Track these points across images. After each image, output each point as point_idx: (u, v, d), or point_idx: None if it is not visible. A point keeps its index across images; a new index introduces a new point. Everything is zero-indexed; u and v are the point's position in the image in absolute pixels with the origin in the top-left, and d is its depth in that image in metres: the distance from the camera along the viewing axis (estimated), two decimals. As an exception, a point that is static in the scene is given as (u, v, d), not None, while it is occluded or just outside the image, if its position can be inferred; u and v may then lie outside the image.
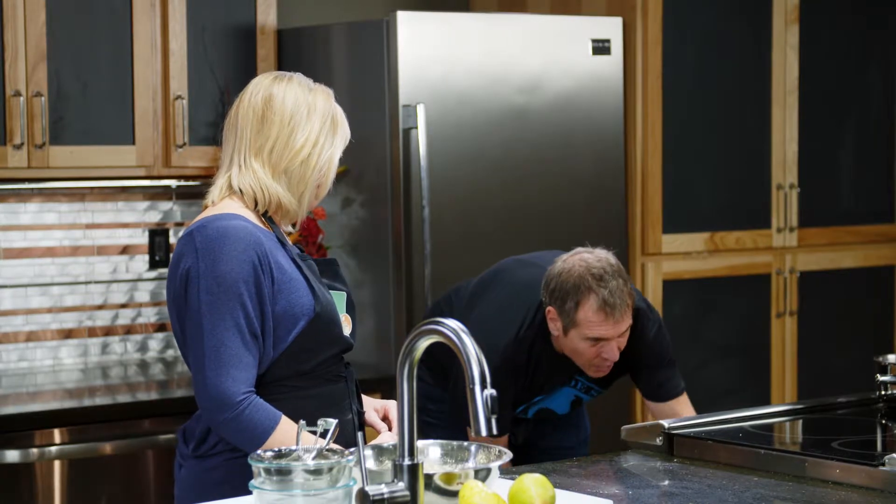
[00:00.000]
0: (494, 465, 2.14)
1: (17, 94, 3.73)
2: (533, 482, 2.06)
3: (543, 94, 4.23)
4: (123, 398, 3.81)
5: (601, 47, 4.32)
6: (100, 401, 3.68)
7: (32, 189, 4.04)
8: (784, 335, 4.73)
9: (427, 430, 3.22)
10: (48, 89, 3.80)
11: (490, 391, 1.94)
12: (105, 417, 3.55)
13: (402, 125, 4.00)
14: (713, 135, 4.59)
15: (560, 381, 3.30)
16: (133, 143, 3.96)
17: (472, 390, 1.94)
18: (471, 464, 2.23)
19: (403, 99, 4.00)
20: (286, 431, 2.39)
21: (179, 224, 4.33)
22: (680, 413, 3.31)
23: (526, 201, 4.22)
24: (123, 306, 4.26)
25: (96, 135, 3.90)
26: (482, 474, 2.10)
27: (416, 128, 3.98)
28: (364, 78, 4.10)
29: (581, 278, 3.07)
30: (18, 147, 3.75)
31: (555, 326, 3.16)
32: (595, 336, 3.07)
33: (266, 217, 2.53)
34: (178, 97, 4.00)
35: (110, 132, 3.91)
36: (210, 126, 4.08)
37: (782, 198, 4.71)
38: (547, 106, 4.24)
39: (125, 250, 4.25)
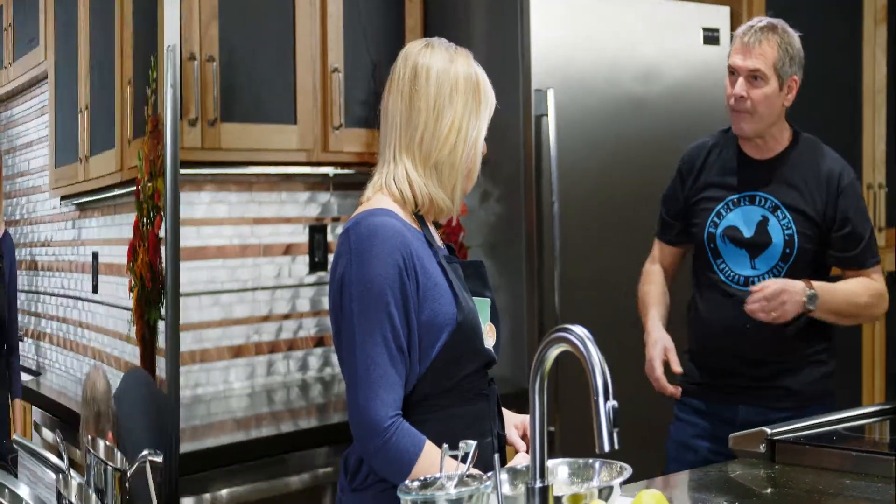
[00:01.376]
0: (616, 483, 2.21)
1: (192, 57, 3.36)
2: (651, 498, 2.18)
3: (661, 82, 4.02)
4: (287, 427, 3.40)
5: (711, 37, 4.16)
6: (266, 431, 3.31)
7: (206, 175, 3.68)
8: (874, 337, 4.69)
9: None
10: (220, 53, 3.44)
11: (612, 402, 1.96)
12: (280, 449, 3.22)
13: (534, 111, 3.69)
14: (806, 130, 4.47)
15: (739, 183, 3.27)
16: (295, 122, 3.66)
17: (596, 402, 1.96)
18: (595, 482, 2.31)
19: (535, 83, 3.71)
20: (430, 456, 2.25)
21: (336, 219, 4.01)
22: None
23: (649, 194, 3.97)
24: (286, 317, 3.92)
25: (263, 113, 3.58)
26: (605, 493, 2.19)
27: (547, 115, 3.69)
28: (500, 55, 3.76)
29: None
30: (193, 123, 3.39)
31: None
32: (730, 64, 3.28)
33: (417, 215, 2.34)
34: (335, 69, 3.70)
35: (274, 110, 3.61)
36: (363, 105, 3.80)
37: (871, 198, 4.66)
38: (663, 95, 4.03)
39: (288, 250, 3.90)
